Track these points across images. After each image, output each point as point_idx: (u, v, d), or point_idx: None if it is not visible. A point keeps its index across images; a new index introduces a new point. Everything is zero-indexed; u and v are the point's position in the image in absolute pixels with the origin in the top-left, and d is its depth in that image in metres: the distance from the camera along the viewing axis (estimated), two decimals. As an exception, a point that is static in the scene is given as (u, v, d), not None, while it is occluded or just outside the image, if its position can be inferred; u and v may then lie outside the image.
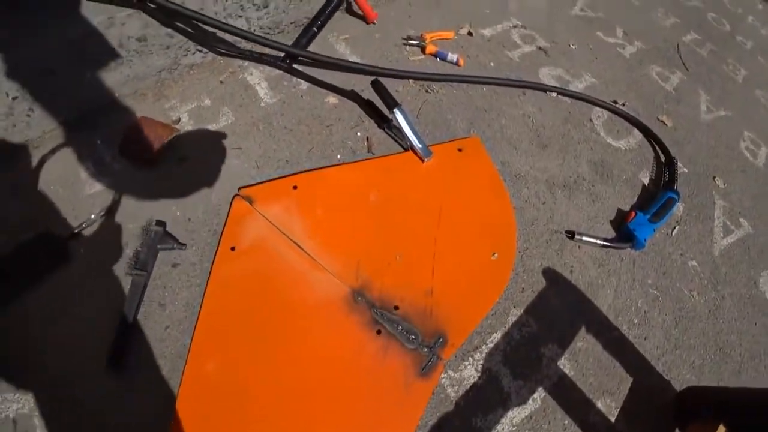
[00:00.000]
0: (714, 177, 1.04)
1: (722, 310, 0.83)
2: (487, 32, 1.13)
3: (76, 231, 0.67)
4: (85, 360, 0.58)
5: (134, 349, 0.59)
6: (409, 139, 0.76)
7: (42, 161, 0.73)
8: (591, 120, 1.04)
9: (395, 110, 0.76)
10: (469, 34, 1.08)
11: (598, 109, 1.07)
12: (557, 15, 1.30)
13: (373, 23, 1.00)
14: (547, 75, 1.09)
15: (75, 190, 0.71)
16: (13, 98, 0.70)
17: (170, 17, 0.77)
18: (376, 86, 0.78)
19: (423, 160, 0.78)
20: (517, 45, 1.13)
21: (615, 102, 1.09)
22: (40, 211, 0.69)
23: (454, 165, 0.80)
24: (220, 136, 0.78)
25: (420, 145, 0.77)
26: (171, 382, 0.58)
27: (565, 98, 1.05)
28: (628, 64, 1.25)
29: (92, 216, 0.69)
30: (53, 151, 0.75)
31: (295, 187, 0.71)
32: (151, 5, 0.73)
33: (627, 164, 0.99)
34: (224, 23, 0.77)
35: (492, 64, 1.05)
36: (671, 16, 1.51)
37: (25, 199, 0.70)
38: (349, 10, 1.01)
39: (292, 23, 0.94)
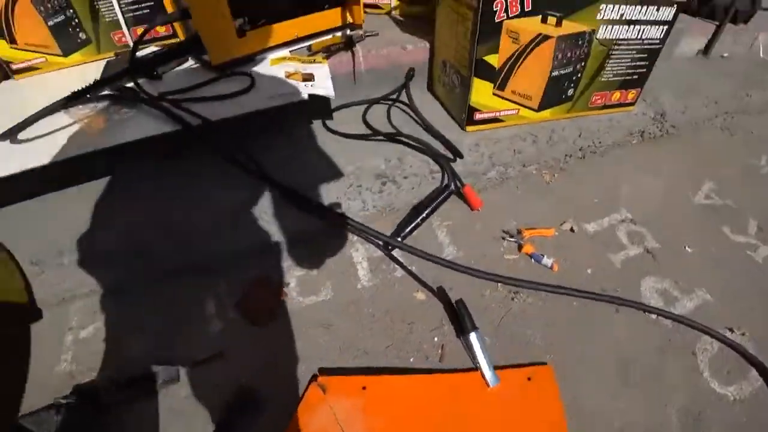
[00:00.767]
0: None
1: None
2: (591, 228, 1.12)
3: (185, 366, 0.83)
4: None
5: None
6: (479, 364, 0.80)
7: (176, 297, 0.93)
8: (695, 353, 0.95)
9: (472, 335, 0.80)
10: (571, 230, 1.09)
11: (706, 338, 0.97)
12: (676, 204, 1.23)
13: (478, 210, 1.08)
14: (650, 288, 1.04)
15: (195, 327, 0.89)
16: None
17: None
18: (459, 307, 0.84)
19: (489, 386, 0.80)
20: (621, 246, 1.10)
21: (731, 330, 0.98)
22: (167, 339, 0.88)
23: (519, 395, 0.81)
24: (317, 310, 0.90)
25: (489, 372, 0.80)
26: None
27: (667, 321, 0.99)
28: (760, 272, 1.10)
29: (201, 357, 0.85)
30: (185, 287, 0.95)
31: (364, 388, 0.79)
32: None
33: (733, 423, 0.86)
34: (335, 211, 0.93)
35: (589, 270, 1.03)
36: (824, 195, 1.30)
37: (158, 325, 0.90)
38: (457, 192, 1.10)
39: (403, 204, 1.06)
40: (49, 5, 1.15)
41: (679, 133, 1.51)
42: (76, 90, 0.92)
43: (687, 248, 1.13)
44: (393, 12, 1.38)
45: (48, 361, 0.89)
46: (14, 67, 1.21)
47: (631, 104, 1.32)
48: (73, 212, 1.00)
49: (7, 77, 1.23)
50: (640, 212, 1.18)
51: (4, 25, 1.14)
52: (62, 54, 1.24)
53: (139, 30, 1.27)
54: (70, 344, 0.91)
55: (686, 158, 1.41)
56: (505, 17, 0.95)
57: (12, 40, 1.17)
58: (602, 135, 1.29)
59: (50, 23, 1.18)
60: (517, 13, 0.95)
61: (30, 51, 1.20)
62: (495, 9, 0.93)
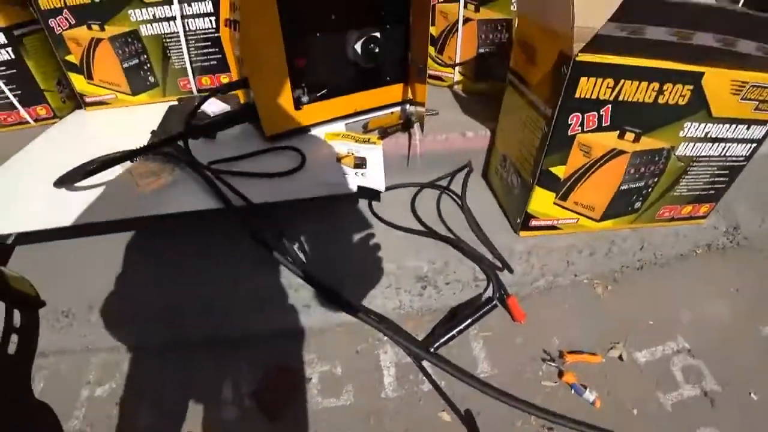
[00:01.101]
0: None
1: None
2: (642, 357, 1.02)
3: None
4: None
5: None
6: None
7: (195, 370, 0.91)
8: None
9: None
10: (620, 358, 1.00)
11: None
12: (742, 335, 1.09)
13: (520, 322, 1.00)
14: (704, 443, 0.92)
15: (210, 408, 0.86)
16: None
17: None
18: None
19: None
20: (675, 384, 0.99)
21: None
22: (180, 416, 0.86)
23: None
24: (335, 415, 0.86)
25: None
26: None
27: (719, 490, 0.87)
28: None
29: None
30: (205, 361, 0.93)
31: None
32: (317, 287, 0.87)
33: None
34: (369, 310, 0.90)
35: (635, 411, 0.93)
36: None
37: (173, 398, 0.88)
38: (501, 301, 1.03)
39: (442, 306, 1.00)
40: (127, 50, 1.21)
41: (751, 245, 1.37)
42: (133, 149, 0.93)
43: (752, 394, 1.00)
44: (455, 86, 1.35)
45: (62, 412, 0.89)
46: (87, 99, 1.29)
47: (703, 218, 1.21)
48: (108, 261, 1.01)
49: (79, 107, 1.32)
50: (700, 342, 1.06)
51: (84, 63, 1.21)
52: (131, 93, 1.29)
53: (204, 79, 1.30)
54: (84, 400, 0.91)
55: (759, 278, 1.27)
56: (580, 131, 0.89)
57: (89, 76, 1.24)
58: (665, 248, 1.18)
59: (125, 65, 1.24)
60: (593, 127, 0.88)
61: (103, 87, 1.27)
62: (570, 122, 0.87)
